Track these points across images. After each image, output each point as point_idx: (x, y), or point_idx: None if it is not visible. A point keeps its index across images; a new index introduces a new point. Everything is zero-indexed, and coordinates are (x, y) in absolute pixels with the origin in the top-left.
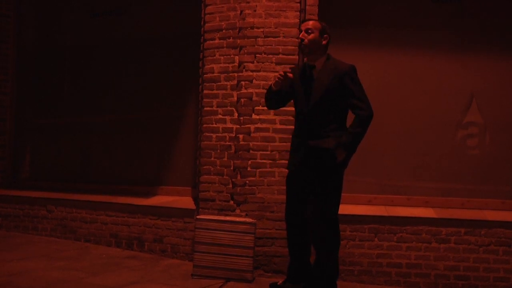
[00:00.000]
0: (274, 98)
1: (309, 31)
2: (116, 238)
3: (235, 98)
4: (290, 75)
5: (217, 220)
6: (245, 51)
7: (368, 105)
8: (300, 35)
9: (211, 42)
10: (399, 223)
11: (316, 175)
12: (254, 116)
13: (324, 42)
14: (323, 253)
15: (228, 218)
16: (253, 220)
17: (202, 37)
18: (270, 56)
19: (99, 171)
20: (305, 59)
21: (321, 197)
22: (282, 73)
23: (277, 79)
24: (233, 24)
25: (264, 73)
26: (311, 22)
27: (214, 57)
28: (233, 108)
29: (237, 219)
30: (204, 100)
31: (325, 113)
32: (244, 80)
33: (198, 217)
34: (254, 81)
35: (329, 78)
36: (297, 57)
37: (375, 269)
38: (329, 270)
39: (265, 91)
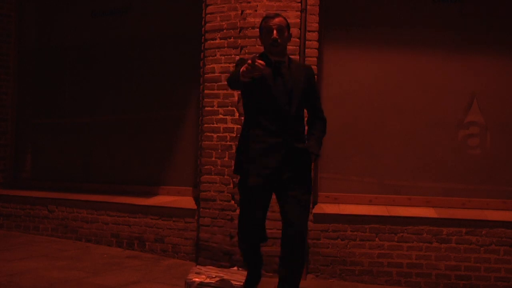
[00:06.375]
0: (239, 87)
1: (282, 30)
2: (117, 238)
3: (236, 98)
4: (262, 63)
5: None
6: (246, 51)
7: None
8: (274, 35)
9: (212, 42)
10: (400, 223)
11: (298, 175)
12: None
13: (290, 40)
14: (299, 265)
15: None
16: None
17: (203, 37)
18: None
19: (100, 171)
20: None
21: (304, 200)
22: (250, 62)
23: (245, 69)
24: (234, 24)
25: None
26: (281, 20)
27: (215, 57)
28: (234, 108)
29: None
30: (205, 100)
31: (300, 112)
32: None
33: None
34: None
35: (301, 76)
36: (298, 57)
37: (376, 269)
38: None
39: None
